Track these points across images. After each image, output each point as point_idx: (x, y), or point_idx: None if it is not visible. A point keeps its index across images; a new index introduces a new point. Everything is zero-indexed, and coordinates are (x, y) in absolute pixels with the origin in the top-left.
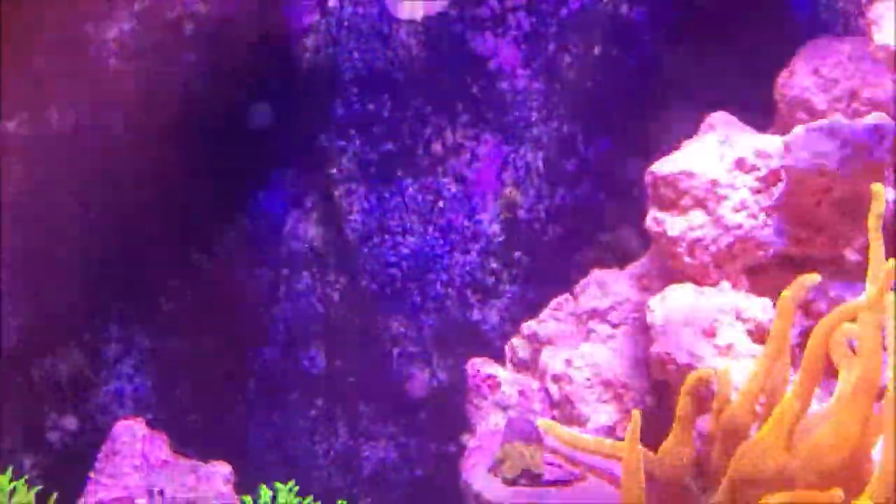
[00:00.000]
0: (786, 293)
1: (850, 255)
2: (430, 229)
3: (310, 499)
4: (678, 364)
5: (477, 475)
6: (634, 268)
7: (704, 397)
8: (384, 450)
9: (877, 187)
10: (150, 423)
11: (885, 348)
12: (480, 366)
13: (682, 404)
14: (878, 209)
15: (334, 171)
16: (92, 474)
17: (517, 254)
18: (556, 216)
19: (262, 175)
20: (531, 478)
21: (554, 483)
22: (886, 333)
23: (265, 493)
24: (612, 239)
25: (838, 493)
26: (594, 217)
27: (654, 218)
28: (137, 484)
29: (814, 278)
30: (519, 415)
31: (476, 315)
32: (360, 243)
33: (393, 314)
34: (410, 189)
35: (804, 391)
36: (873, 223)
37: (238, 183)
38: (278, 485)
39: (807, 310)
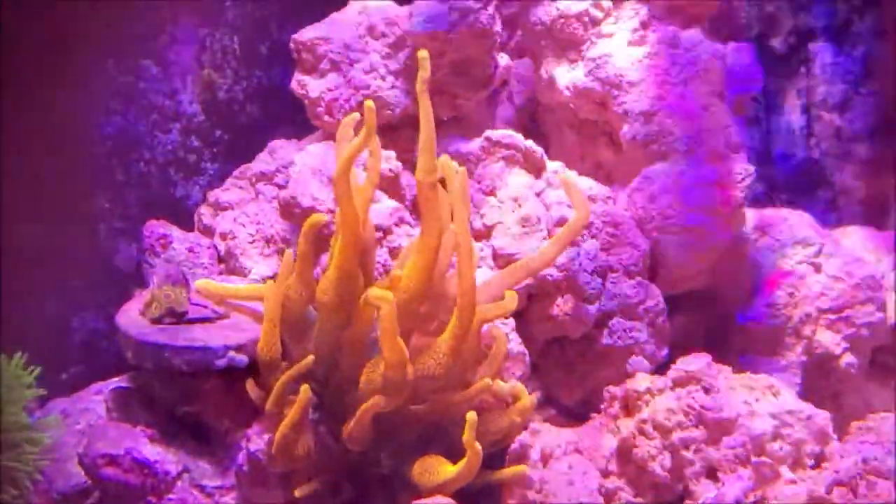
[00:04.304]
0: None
1: (467, 113)
2: (133, 109)
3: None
4: (302, 207)
5: (127, 317)
6: (308, 139)
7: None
8: (93, 320)
9: (422, 54)
10: None
11: None
12: (155, 227)
13: (301, 244)
14: (423, 75)
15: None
16: None
17: (218, 132)
18: (253, 97)
19: None
20: (175, 315)
21: (199, 320)
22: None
23: None
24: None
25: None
26: (290, 98)
27: (298, 81)
28: None
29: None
30: (170, 263)
31: (180, 191)
32: (63, 122)
33: (99, 190)
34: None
35: (346, 219)
36: (419, 87)
37: None
38: None
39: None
